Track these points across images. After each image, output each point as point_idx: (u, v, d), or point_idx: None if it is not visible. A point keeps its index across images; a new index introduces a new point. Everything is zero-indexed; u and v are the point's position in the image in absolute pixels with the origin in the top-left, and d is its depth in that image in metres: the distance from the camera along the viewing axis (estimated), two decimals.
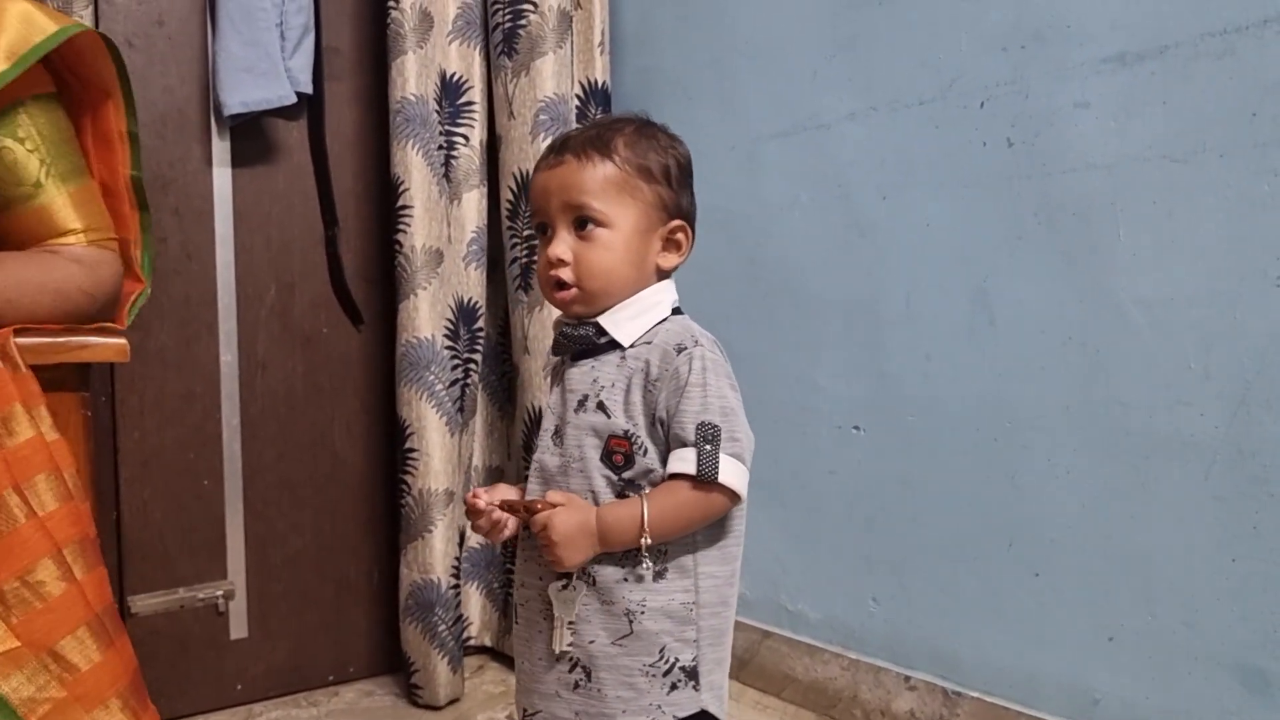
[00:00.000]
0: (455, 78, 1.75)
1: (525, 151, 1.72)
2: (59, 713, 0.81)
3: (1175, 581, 1.25)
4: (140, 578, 1.66)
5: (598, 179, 0.93)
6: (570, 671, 0.90)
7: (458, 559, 1.74)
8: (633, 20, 1.93)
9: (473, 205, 1.77)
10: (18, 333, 0.89)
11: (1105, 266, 1.29)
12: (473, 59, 1.76)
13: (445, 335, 1.72)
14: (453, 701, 1.71)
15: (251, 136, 1.71)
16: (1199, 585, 1.23)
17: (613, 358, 0.93)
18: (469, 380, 1.78)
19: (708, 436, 0.88)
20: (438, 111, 1.71)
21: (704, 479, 0.87)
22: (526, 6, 1.71)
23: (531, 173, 1.68)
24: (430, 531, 1.70)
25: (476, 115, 1.77)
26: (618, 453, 0.90)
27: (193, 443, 1.66)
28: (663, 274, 0.98)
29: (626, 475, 0.90)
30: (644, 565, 0.88)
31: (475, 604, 1.92)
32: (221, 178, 1.70)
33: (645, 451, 0.90)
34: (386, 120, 1.72)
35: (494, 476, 1.91)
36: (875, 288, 1.55)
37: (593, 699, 0.90)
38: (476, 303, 1.78)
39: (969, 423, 1.45)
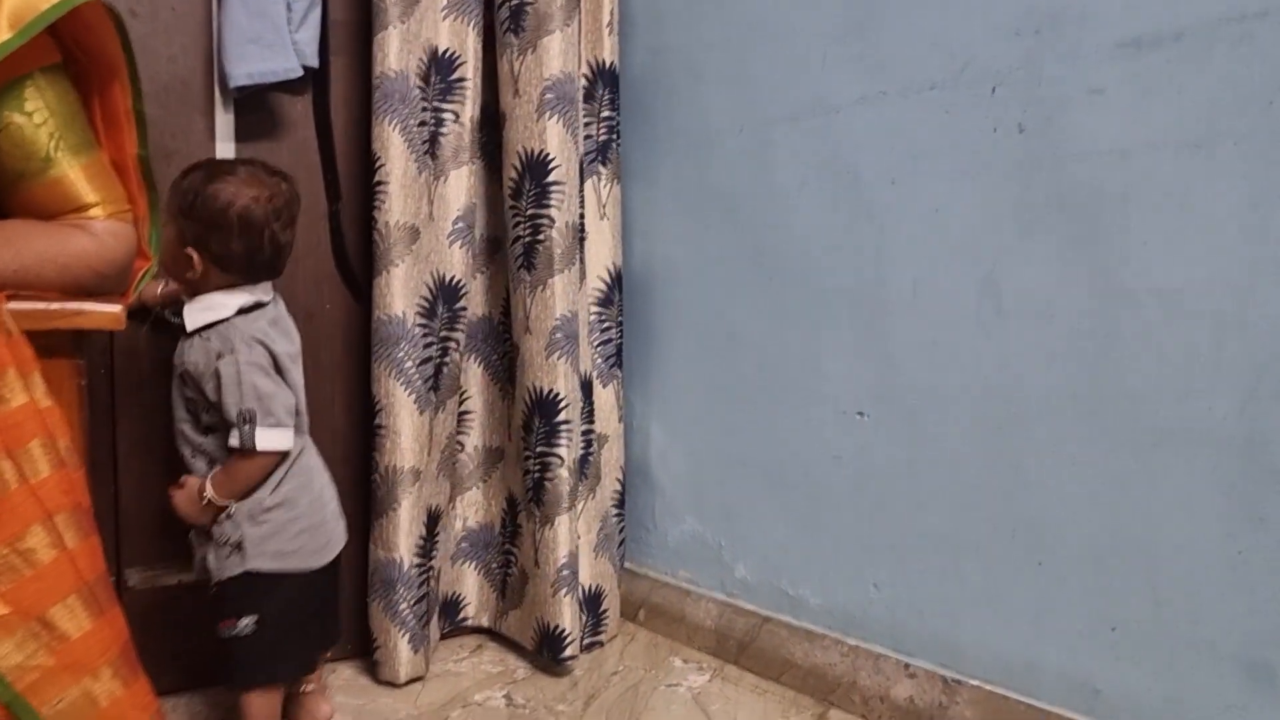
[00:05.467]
0: (448, 53, 1.72)
1: (530, 130, 1.70)
2: (48, 680, 0.80)
3: (1181, 573, 1.24)
4: (137, 552, 1.65)
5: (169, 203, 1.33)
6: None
7: (424, 538, 1.73)
8: (642, 0, 1.91)
9: (461, 183, 1.75)
10: (11, 298, 0.88)
11: (1116, 254, 1.28)
12: (466, 34, 1.73)
13: (419, 313, 1.70)
14: (414, 680, 1.71)
15: (255, 110, 1.69)
16: (1205, 577, 1.22)
17: (192, 342, 1.36)
18: (446, 359, 1.76)
19: (245, 419, 1.32)
20: (422, 88, 1.68)
21: (246, 451, 1.32)
22: None
23: (532, 152, 1.68)
24: (395, 509, 1.69)
25: (468, 92, 1.74)
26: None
27: None
28: (227, 279, 1.35)
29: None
30: (224, 514, 1.36)
31: (472, 584, 1.91)
32: (225, 151, 1.68)
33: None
34: None
35: (494, 457, 1.90)
36: (882, 273, 1.54)
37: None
38: (459, 280, 1.76)
39: (974, 410, 1.43)
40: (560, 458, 1.74)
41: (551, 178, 1.70)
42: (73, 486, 0.87)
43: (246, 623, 1.37)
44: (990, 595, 1.43)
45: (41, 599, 0.81)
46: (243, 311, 1.37)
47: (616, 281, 1.91)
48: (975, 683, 1.44)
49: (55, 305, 0.91)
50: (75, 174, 1.01)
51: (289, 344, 1.42)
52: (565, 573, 1.74)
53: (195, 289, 1.37)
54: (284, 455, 1.38)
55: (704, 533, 1.85)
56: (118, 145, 1.09)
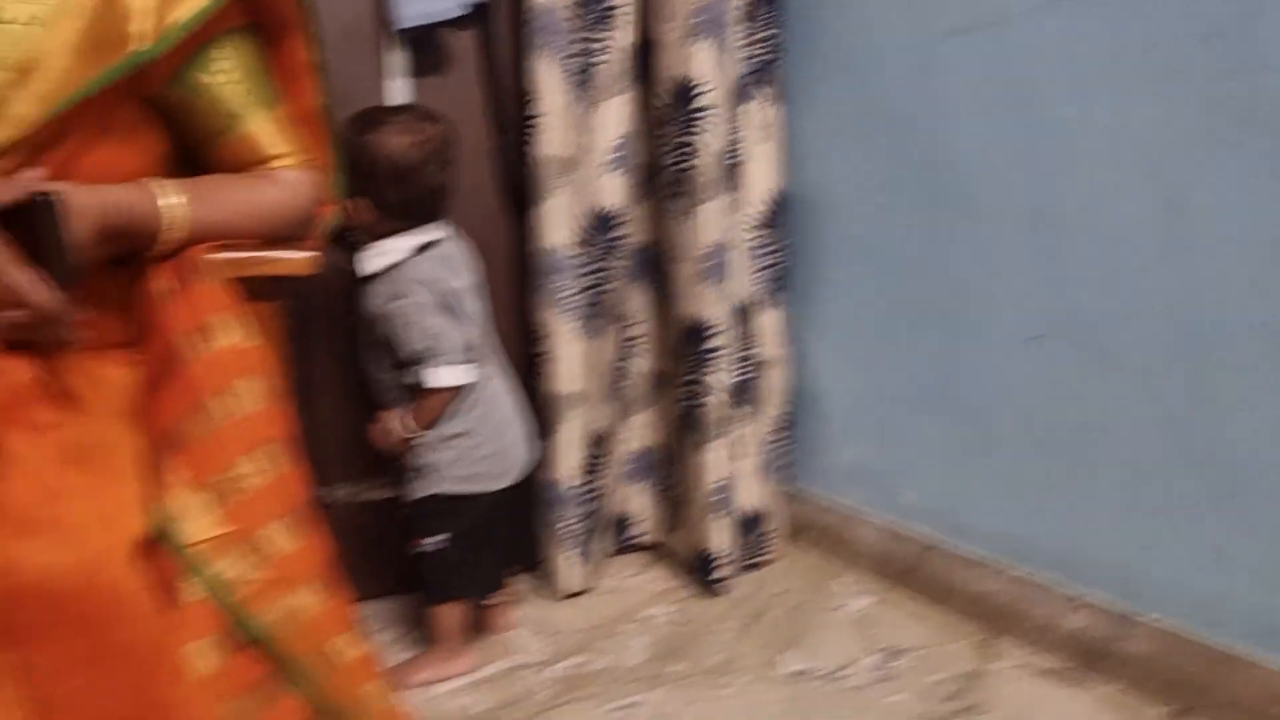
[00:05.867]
0: None
1: (678, 56, 1.69)
2: (263, 592, 0.89)
3: None
4: (337, 470, 1.78)
5: None
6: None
7: (587, 460, 1.79)
8: None
9: (617, 111, 1.76)
10: (214, 249, 0.97)
11: None
12: None
13: (575, 243, 1.73)
14: (580, 593, 1.79)
15: (425, 47, 1.74)
16: None
17: (371, 287, 1.47)
18: (605, 288, 1.79)
19: (419, 359, 1.42)
20: (577, 17, 1.69)
21: (424, 389, 1.43)
22: None
23: (680, 78, 1.67)
24: (557, 432, 1.76)
25: (624, 18, 1.74)
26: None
27: None
28: (392, 225, 1.44)
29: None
30: (418, 439, 1.48)
31: (641, 503, 1.97)
32: (396, 90, 1.74)
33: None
34: None
35: (660, 381, 1.94)
36: (1058, 192, 1.47)
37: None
38: (617, 210, 1.78)
39: (1157, 337, 1.37)
40: (710, 385, 1.77)
41: (699, 103, 1.69)
42: (277, 420, 0.95)
43: (435, 541, 1.48)
44: (1171, 527, 1.38)
45: (256, 520, 0.90)
46: (414, 253, 1.45)
47: (780, 205, 1.89)
48: (1153, 617, 1.40)
49: (255, 254, 0.99)
50: (263, 128, 1.08)
51: (461, 279, 1.49)
52: (717, 498, 1.78)
53: (369, 236, 1.46)
54: (464, 387, 1.46)
55: (871, 457, 1.85)
56: (298, 97, 1.15)
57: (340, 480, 1.79)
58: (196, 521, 0.88)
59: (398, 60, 1.73)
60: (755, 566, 1.89)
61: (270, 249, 1.01)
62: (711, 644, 1.59)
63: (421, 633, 1.59)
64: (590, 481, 1.81)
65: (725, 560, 1.78)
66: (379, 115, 1.42)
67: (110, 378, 0.98)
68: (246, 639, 0.88)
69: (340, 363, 1.74)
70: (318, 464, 1.75)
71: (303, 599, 0.92)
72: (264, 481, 0.91)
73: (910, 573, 1.72)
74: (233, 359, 0.94)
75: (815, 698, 1.40)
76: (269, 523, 0.91)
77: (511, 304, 1.86)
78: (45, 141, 0.93)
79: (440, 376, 1.42)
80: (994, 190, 1.56)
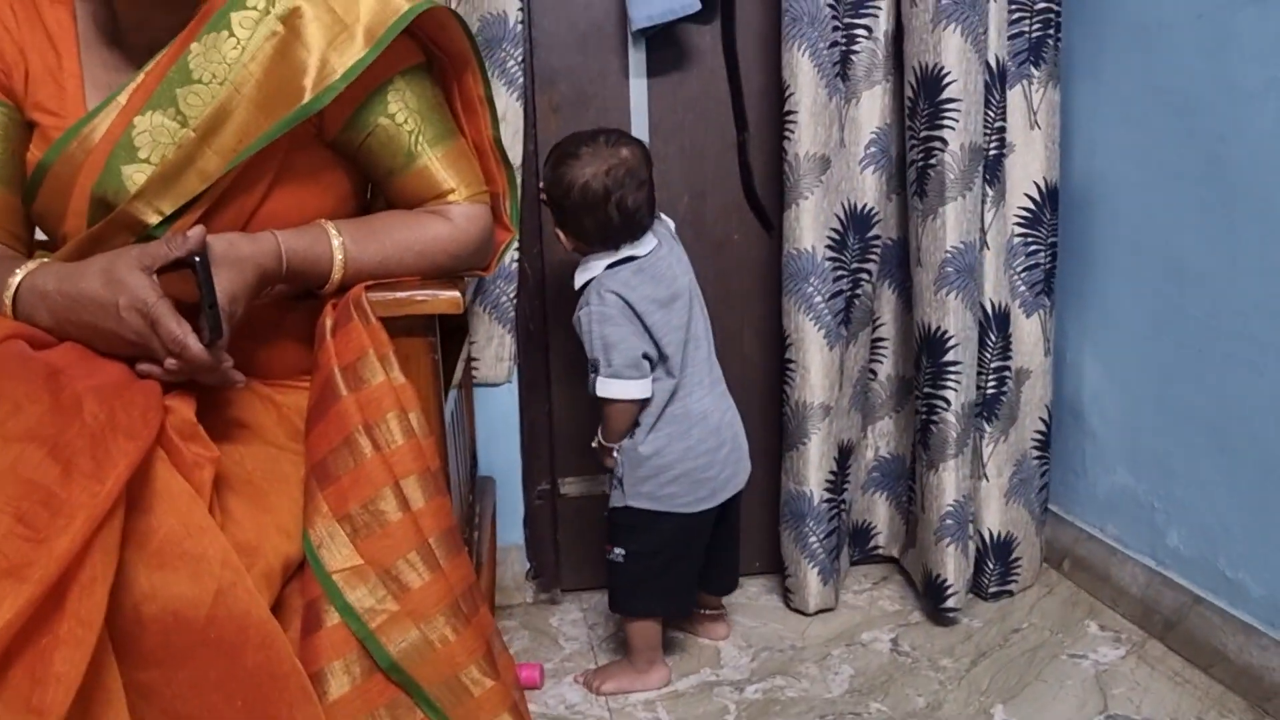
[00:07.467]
0: None
1: (926, 43, 1.55)
2: (393, 623, 0.94)
3: None
4: (569, 463, 1.85)
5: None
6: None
7: (834, 473, 1.71)
8: None
9: (874, 103, 1.65)
10: (370, 288, 1.01)
11: None
12: None
13: (828, 246, 1.64)
14: (823, 611, 1.72)
15: (665, 45, 1.73)
16: None
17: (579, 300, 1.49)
18: (858, 291, 1.69)
19: (593, 368, 1.45)
20: (833, 6, 1.58)
21: (597, 399, 1.45)
22: None
23: (927, 67, 1.53)
24: (804, 444, 1.69)
25: (882, 3, 1.62)
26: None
27: None
28: (595, 249, 1.46)
29: None
30: (611, 453, 1.50)
31: (883, 514, 1.88)
32: (637, 89, 1.75)
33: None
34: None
35: (906, 387, 1.82)
36: None
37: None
38: (871, 209, 1.67)
39: None
40: (946, 401, 1.63)
41: (946, 95, 1.54)
42: (421, 453, 0.99)
43: (618, 553, 1.49)
44: None
45: (388, 553, 0.94)
46: (610, 267, 1.45)
47: (1048, 199, 1.69)
48: None
49: (404, 294, 1.02)
50: (434, 164, 1.11)
51: (657, 289, 1.44)
52: (949, 522, 1.64)
53: (581, 254, 1.49)
54: (644, 402, 1.44)
55: (1136, 488, 1.63)
56: (475, 129, 1.18)
57: (572, 474, 1.85)
58: (336, 551, 0.95)
59: (639, 59, 1.74)
60: (1000, 595, 1.74)
61: (424, 288, 1.04)
62: (924, 682, 1.48)
63: (623, 637, 1.61)
64: (836, 496, 1.73)
65: (955, 589, 1.65)
66: (569, 147, 1.42)
67: (290, 404, 1.07)
68: (379, 665, 0.93)
69: (575, 360, 1.79)
70: (552, 456, 1.85)
71: (433, 631, 0.95)
72: (399, 516, 0.95)
73: (1173, 627, 1.50)
74: (385, 395, 0.98)
75: None
76: (400, 557, 0.95)
77: (750, 303, 1.82)
78: (229, 190, 1.01)
79: (605, 387, 1.42)
80: None
